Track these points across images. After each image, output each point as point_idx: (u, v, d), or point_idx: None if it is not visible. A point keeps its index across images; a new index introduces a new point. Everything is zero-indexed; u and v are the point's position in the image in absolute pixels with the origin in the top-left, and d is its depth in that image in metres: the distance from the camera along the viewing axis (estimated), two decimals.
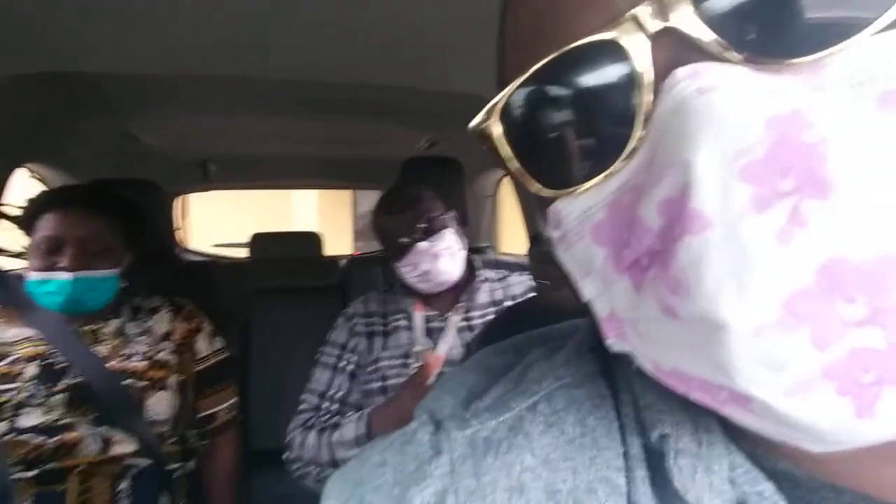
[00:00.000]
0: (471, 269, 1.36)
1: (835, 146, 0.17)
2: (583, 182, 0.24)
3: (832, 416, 0.19)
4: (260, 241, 2.02)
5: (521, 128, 0.25)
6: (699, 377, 0.22)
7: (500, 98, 0.25)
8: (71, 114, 1.46)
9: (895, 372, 0.18)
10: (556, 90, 0.24)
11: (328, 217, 6.76)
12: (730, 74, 0.20)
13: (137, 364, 1.22)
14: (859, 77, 0.19)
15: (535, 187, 0.26)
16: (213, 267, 1.97)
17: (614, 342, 0.25)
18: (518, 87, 0.25)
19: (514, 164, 0.26)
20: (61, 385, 1.14)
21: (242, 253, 2.34)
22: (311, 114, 1.60)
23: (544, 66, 0.24)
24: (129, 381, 1.19)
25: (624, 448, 0.27)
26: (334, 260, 2.34)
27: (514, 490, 0.27)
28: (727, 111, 0.18)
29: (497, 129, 0.26)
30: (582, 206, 0.24)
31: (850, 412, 0.19)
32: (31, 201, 1.23)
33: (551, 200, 0.25)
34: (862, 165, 0.17)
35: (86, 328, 1.23)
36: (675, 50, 0.21)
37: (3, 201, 1.48)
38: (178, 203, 2.70)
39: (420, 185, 1.32)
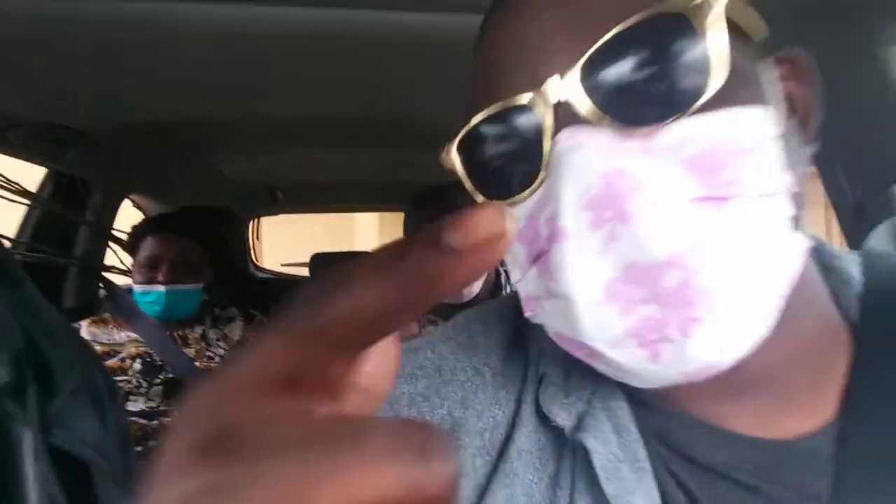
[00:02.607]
0: (497, 285, 1.47)
1: (637, 192, 0.27)
2: (513, 200, 0.32)
3: (637, 362, 0.29)
4: (319, 261, 2.23)
5: (471, 159, 0.34)
6: (569, 337, 0.32)
7: (458, 138, 0.34)
8: (165, 153, 1.73)
9: (668, 334, 0.28)
10: (492, 134, 0.33)
11: (388, 237, 7.02)
12: (593, 137, 0.29)
13: (218, 364, 1.44)
14: (676, 144, 0.28)
15: (481, 201, 0.34)
16: (280, 283, 2.20)
17: (531, 316, 0.35)
18: (468, 132, 0.34)
19: (468, 184, 0.35)
20: (159, 379, 1.37)
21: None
22: (370, 144, 1.78)
23: (485, 117, 0.32)
24: None
25: (523, 385, 0.40)
26: None
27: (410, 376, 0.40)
28: (582, 164, 0.28)
29: (456, 159, 0.35)
30: (514, 216, 0.30)
31: (646, 359, 0.29)
32: (134, 227, 1.49)
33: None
34: (651, 205, 0.27)
35: (177, 333, 1.46)
36: (567, 114, 0.30)
37: (115, 227, 1.77)
38: (251, 225, 2.99)
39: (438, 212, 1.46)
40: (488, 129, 0.33)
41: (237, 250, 2.08)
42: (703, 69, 0.28)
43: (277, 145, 1.80)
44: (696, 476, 0.34)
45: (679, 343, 0.28)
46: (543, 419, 0.37)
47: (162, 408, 1.34)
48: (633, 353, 0.29)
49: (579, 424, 0.35)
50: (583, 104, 0.29)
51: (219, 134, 1.65)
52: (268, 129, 1.60)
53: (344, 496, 0.11)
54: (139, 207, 2.10)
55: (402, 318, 0.14)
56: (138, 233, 1.46)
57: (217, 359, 1.45)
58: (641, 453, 0.34)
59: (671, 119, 0.28)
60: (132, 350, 1.41)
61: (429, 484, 0.12)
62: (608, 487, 0.32)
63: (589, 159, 0.28)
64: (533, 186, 0.31)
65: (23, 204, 1.43)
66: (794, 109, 0.35)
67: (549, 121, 0.30)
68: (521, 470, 0.36)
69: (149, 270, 1.41)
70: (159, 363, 1.39)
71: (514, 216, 0.32)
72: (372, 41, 0.95)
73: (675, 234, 0.27)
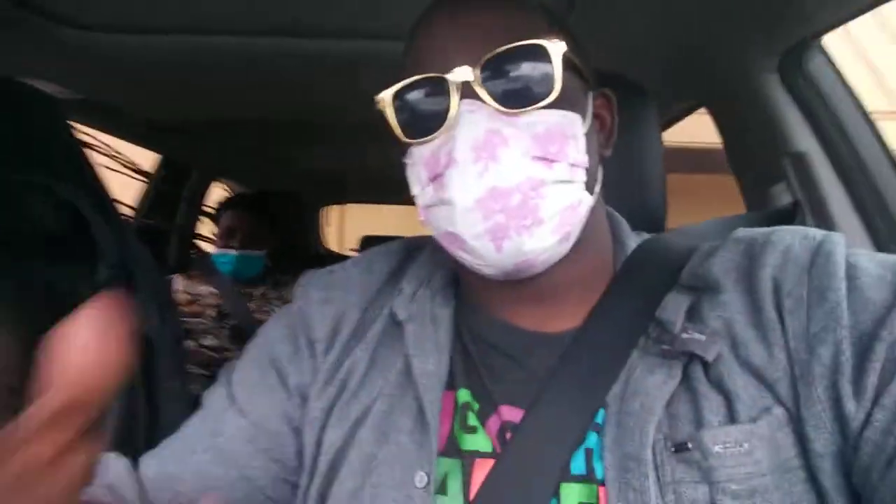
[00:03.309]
0: None
1: (504, 146, 0.43)
2: (423, 139, 0.46)
3: (488, 251, 0.44)
4: (369, 244, 2.54)
5: (399, 107, 0.47)
6: (448, 231, 0.46)
7: (392, 90, 0.47)
8: (249, 145, 2.09)
9: (509, 234, 0.43)
10: (417, 93, 0.46)
11: None
12: (483, 108, 0.44)
13: None
14: (530, 123, 0.44)
15: (402, 139, 0.47)
16: (333, 260, 2.53)
17: (424, 221, 0.49)
18: (400, 88, 0.47)
19: (394, 125, 0.47)
20: (226, 324, 1.74)
21: None
22: None
23: (414, 80, 0.46)
24: None
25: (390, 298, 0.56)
26: None
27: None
28: (475, 122, 0.43)
29: (389, 106, 0.47)
30: (421, 150, 0.47)
31: (494, 250, 0.44)
32: (219, 203, 1.87)
33: (408, 146, 0.48)
34: (510, 155, 0.43)
35: (244, 290, 1.82)
36: (468, 90, 0.44)
37: (206, 203, 2.18)
38: (324, 212, 3.37)
39: None
40: (415, 89, 0.46)
41: (300, 229, 2.44)
42: (550, 82, 0.45)
43: (344, 143, 2.08)
44: (483, 351, 0.50)
45: (514, 240, 0.44)
46: (393, 316, 0.54)
47: (226, 346, 1.70)
48: (486, 244, 0.44)
49: (410, 318, 0.52)
50: (479, 86, 0.44)
51: (296, 132, 1.96)
52: (336, 129, 1.87)
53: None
54: (227, 189, 2.52)
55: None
56: (220, 207, 1.84)
57: (272, 313, 1.79)
58: (444, 337, 0.51)
59: (528, 107, 0.45)
60: (210, 300, 1.79)
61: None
62: (410, 350, 0.50)
63: (480, 119, 0.44)
64: (440, 131, 0.45)
65: (140, 181, 1.85)
66: (603, 126, 0.54)
67: (455, 91, 0.44)
68: (371, 340, 0.53)
69: (227, 237, 1.78)
70: (227, 312, 1.75)
71: (421, 151, 0.47)
72: None
73: (521, 173, 0.43)
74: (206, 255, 1.91)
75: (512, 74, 0.45)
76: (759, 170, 0.89)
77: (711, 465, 0.40)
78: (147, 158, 1.91)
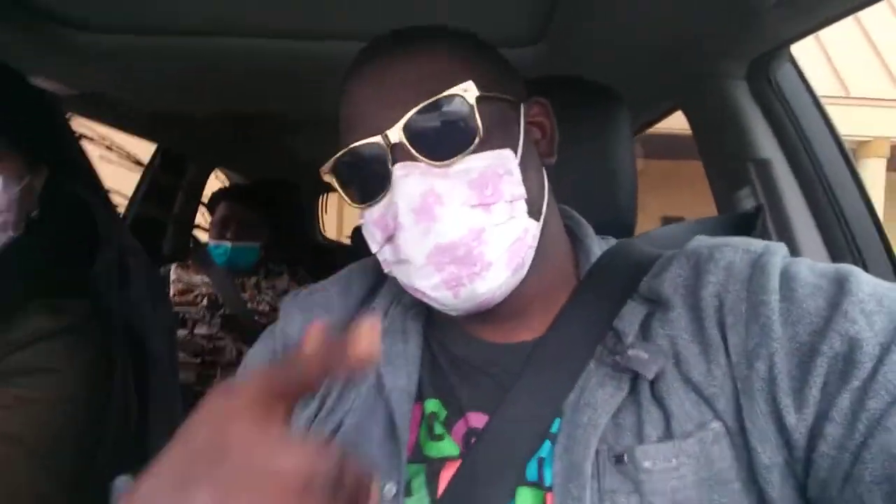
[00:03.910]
0: None
1: (439, 204, 0.45)
2: (369, 202, 0.48)
3: (447, 299, 0.47)
4: (360, 233, 2.58)
5: (342, 175, 0.50)
6: (409, 285, 0.49)
7: (331, 161, 0.49)
8: (247, 135, 2.11)
9: (462, 281, 0.46)
10: (354, 160, 0.48)
11: None
12: (416, 167, 0.45)
13: (265, 307, 1.83)
14: (462, 171, 0.46)
15: (351, 204, 0.50)
16: (326, 249, 2.57)
17: (388, 272, 0.51)
18: (339, 158, 0.49)
19: (341, 193, 0.50)
20: (219, 313, 1.78)
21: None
22: None
23: (348, 149, 0.47)
24: (258, 316, 1.80)
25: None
26: None
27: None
28: (409, 186, 0.45)
29: (332, 176, 0.50)
30: (370, 212, 0.49)
31: (452, 297, 0.47)
32: (213, 194, 1.90)
33: (358, 208, 0.50)
34: (447, 212, 0.45)
35: (237, 280, 1.86)
36: (400, 150, 0.46)
37: (204, 194, 2.22)
38: (323, 200, 3.39)
39: None
40: (351, 158, 0.48)
41: (294, 219, 2.47)
42: (471, 128, 0.46)
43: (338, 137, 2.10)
44: (452, 362, 0.53)
45: (468, 287, 0.46)
46: None
47: (219, 335, 1.75)
48: (444, 293, 0.47)
49: (382, 334, 0.50)
50: (407, 146, 0.46)
51: (292, 122, 1.99)
52: (332, 121, 1.89)
53: None
54: (227, 178, 2.55)
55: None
56: (214, 198, 1.88)
57: (264, 303, 1.83)
58: (414, 351, 0.54)
59: (458, 156, 0.46)
60: (203, 290, 1.83)
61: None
62: (382, 366, 0.52)
63: (413, 182, 0.46)
64: (381, 195, 0.48)
65: (136, 171, 1.89)
66: (543, 133, 0.56)
67: (388, 154, 0.46)
68: None
69: (220, 229, 1.81)
70: (221, 302, 1.80)
71: (370, 213, 0.49)
72: None
73: (461, 227, 0.46)
74: (201, 245, 1.95)
75: (434, 128, 0.46)
76: (729, 174, 0.91)
77: (641, 479, 0.42)
78: (142, 149, 1.94)
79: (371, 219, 0.49)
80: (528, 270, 0.49)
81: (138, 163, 1.84)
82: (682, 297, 0.48)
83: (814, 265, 0.46)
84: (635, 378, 0.45)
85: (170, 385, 0.92)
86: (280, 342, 0.59)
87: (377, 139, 0.46)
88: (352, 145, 0.47)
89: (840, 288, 0.42)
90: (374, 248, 0.51)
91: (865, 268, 0.78)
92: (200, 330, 1.74)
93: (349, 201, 0.50)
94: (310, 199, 3.08)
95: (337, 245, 3.04)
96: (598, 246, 0.57)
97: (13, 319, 0.67)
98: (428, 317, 0.57)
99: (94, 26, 1.00)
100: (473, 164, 0.46)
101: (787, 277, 0.44)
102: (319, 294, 0.61)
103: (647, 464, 0.42)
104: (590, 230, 0.59)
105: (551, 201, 0.54)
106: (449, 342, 0.54)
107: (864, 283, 0.42)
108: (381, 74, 0.48)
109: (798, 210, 0.80)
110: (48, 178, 0.74)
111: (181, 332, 1.72)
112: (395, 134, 0.46)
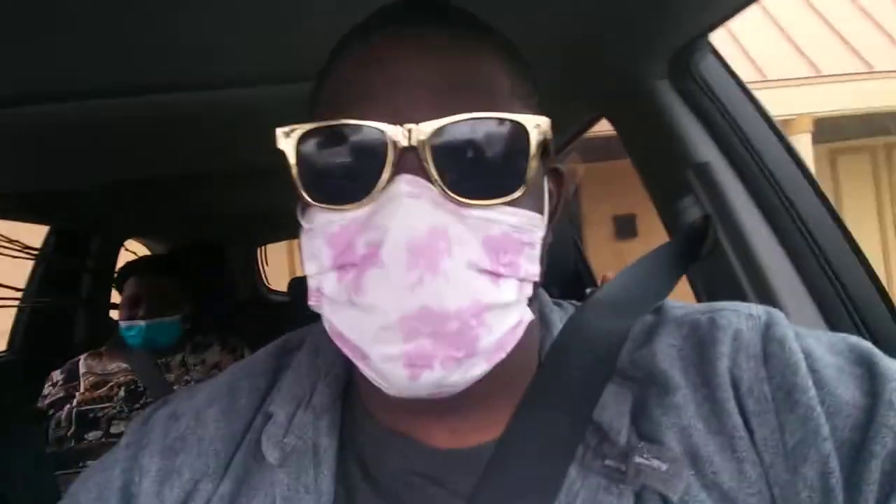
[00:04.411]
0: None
1: (449, 254, 0.33)
2: (333, 205, 0.35)
3: (398, 378, 0.34)
4: (297, 284, 2.41)
5: (305, 156, 0.35)
6: (351, 341, 0.36)
7: (299, 131, 0.35)
8: (156, 200, 1.93)
9: (432, 364, 0.34)
10: (333, 142, 0.35)
11: None
12: (429, 190, 0.33)
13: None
14: (483, 222, 0.34)
15: (304, 197, 0.36)
16: (259, 307, 2.39)
17: (314, 306, 0.38)
18: (314, 128, 0.35)
19: (295, 177, 0.36)
20: (139, 404, 1.57)
21: None
22: None
23: (337, 124, 0.34)
24: None
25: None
26: None
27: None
28: (417, 212, 0.33)
29: (292, 150, 0.35)
30: (328, 218, 0.36)
31: (406, 377, 0.34)
32: (119, 270, 1.70)
33: (311, 205, 0.36)
34: (455, 268, 0.33)
35: (160, 361, 1.66)
36: (411, 158, 0.33)
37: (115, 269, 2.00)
38: (261, 252, 3.22)
39: None
40: (332, 137, 0.35)
41: (222, 281, 2.28)
42: (522, 174, 0.35)
43: (255, 186, 1.96)
44: (379, 492, 0.39)
45: (437, 373, 0.34)
46: (257, 455, 0.41)
47: None
48: (398, 370, 0.34)
49: (284, 460, 0.40)
50: (429, 159, 0.33)
51: (204, 178, 1.83)
52: (244, 174, 1.75)
53: None
54: (148, 248, 2.35)
55: None
56: (121, 274, 1.67)
57: (193, 382, 1.63)
58: (328, 483, 0.40)
59: (486, 203, 0.35)
60: (120, 379, 1.61)
61: None
62: None
63: (423, 210, 0.33)
64: (361, 203, 0.34)
65: (27, 259, 1.67)
66: (549, 203, 0.43)
67: (393, 156, 0.33)
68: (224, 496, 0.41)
69: (131, 307, 1.61)
70: (142, 389, 1.59)
71: (328, 220, 0.36)
72: None
73: (465, 295, 0.34)
74: (113, 326, 1.73)
75: (476, 152, 0.34)
76: (667, 183, 0.82)
77: None
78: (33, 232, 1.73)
79: (324, 228, 0.36)
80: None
81: (26, 248, 1.62)
82: (684, 372, 0.38)
83: (818, 337, 0.40)
84: (640, 491, 0.36)
85: None
86: (117, 494, 0.42)
87: (388, 128, 0.33)
88: (344, 121, 0.34)
89: (869, 371, 0.36)
90: (309, 269, 0.38)
91: (831, 266, 0.68)
92: (118, 428, 1.52)
93: (301, 192, 0.36)
94: (244, 254, 2.89)
95: (274, 299, 2.85)
96: (557, 317, 0.45)
97: None
98: (344, 419, 0.43)
99: None
100: (504, 217, 0.35)
101: (807, 356, 0.37)
102: (189, 423, 0.44)
103: None
104: (545, 296, 0.46)
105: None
106: (376, 454, 0.41)
107: (890, 363, 0.36)
108: (419, 46, 0.36)
109: (748, 214, 0.71)
110: None
111: (95, 435, 1.49)
112: (421, 134, 0.33)
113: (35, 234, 1.79)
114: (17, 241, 1.58)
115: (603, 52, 0.81)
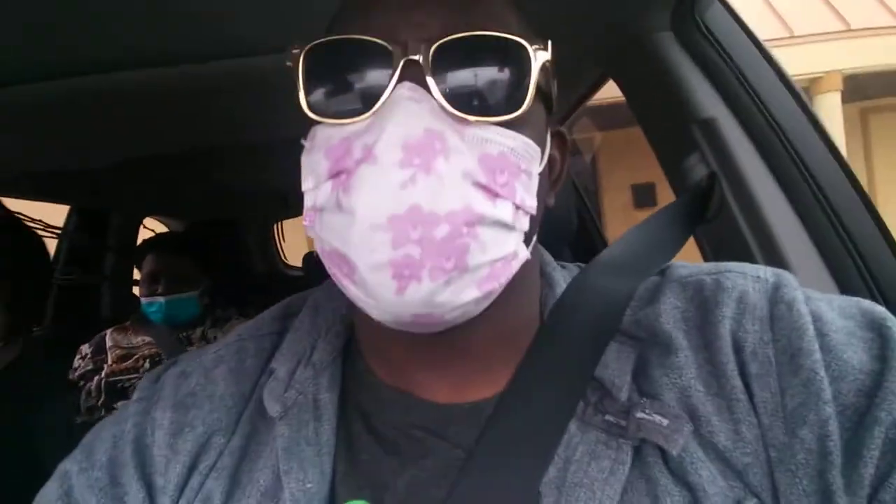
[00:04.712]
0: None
1: (444, 156, 0.33)
2: (336, 119, 0.36)
3: (385, 290, 0.33)
4: (311, 260, 2.44)
5: (312, 70, 0.36)
6: (339, 251, 0.34)
7: (312, 43, 0.36)
8: (175, 178, 1.94)
9: (419, 274, 0.32)
10: (341, 57, 0.36)
11: None
12: (428, 99, 0.34)
13: None
14: (480, 140, 0.34)
15: (308, 113, 0.36)
16: (277, 281, 2.42)
17: (308, 227, 0.37)
18: (319, 44, 0.36)
19: (301, 92, 0.36)
20: None
21: None
22: None
23: (340, 40, 0.36)
24: None
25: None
26: None
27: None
28: (415, 113, 0.33)
29: (300, 64, 0.36)
30: (329, 133, 0.36)
31: (393, 290, 0.33)
32: (137, 247, 1.74)
33: (315, 123, 0.37)
34: (450, 170, 0.32)
35: (182, 335, 1.71)
36: (413, 71, 0.34)
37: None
38: (278, 228, 3.25)
39: None
40: (339, 52, 0.36)
41: (238, 257, 2.32)
42: (522, 94, 0.36)
43: (272, 161, 1.96)
44: (383, 443, 0.40)
45: (425, 285, 0.33)
46: (261, 410, 0.42)
47: None
48: (385, 281, 0.33)
49: (285, 413, 0.41)
50: (430, 72, 0.34)
51: (225, 156, 1.84)
52: (268, 150, 1.74)
53: None
54: (166, 225, 2.39)
55: None
56: (140, 252, 1.71)
57: None
58: (329, 436, 0.40)
59: (486, 118, 0.35)
60: (145, 352, 1.66)
61: None
62: (282, 464, 0.39)
63: (421, 112, 0.34)
64: (364, 116, 0.35)
65: (50, 237, 1.72)
66: (552, 170, 0.44)
67: (397, 69, 0.34)
68: (234, 453, 0.42)
69: (150, 284, 1.65)
70: (165, 360, 1.64)
71: (328, 135, 0.36)
72: None
73: (458, 199, 0.33)
74: (139, 302, 1.78)
75: (475, 70, 0.35)
76: (672, 141, 0.79)
77: None
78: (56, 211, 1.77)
79: (325, 141, 0.36)
80: (496, 304, 0.38)
81: (49, 227, 1.67)
82: (686, 334, 0.38)
83: (830, 300, 0.39)
84: (639, 445, 0.36)
85: None
86: (132, 454, 0.42)
87: (393, 43, 0.34)
88: (346, 35, 0.36)
89: (880, 335, 0.36)
90: (306, 185, 0.37)
91: (844, 227, 0.66)
92: None
93: (305, 108, 0.37)
94: (260, 230, 2.92)
95: (292, 273, 2.89)
96: (560, 276, 0.45)
97: None
98: (347, 374, 0.43)
99: None
100: (500, 137, 0.35)
101: (816, 318, 0.37)
102: (199, 380, 0.45)
103: None
104: (548, 257, 0.47)
105: (535, 241, 0.43)
106: (377, 410, 0.42)
107: None
108: None
109: (757, 172, 0.68)
110: None
111: (123, 404, 1.55)
112: (425, 49, 0.34)
113: (57, 213, 1.84)
114: (39, 221, 1.62)
115: (604, 4, 0.78)
